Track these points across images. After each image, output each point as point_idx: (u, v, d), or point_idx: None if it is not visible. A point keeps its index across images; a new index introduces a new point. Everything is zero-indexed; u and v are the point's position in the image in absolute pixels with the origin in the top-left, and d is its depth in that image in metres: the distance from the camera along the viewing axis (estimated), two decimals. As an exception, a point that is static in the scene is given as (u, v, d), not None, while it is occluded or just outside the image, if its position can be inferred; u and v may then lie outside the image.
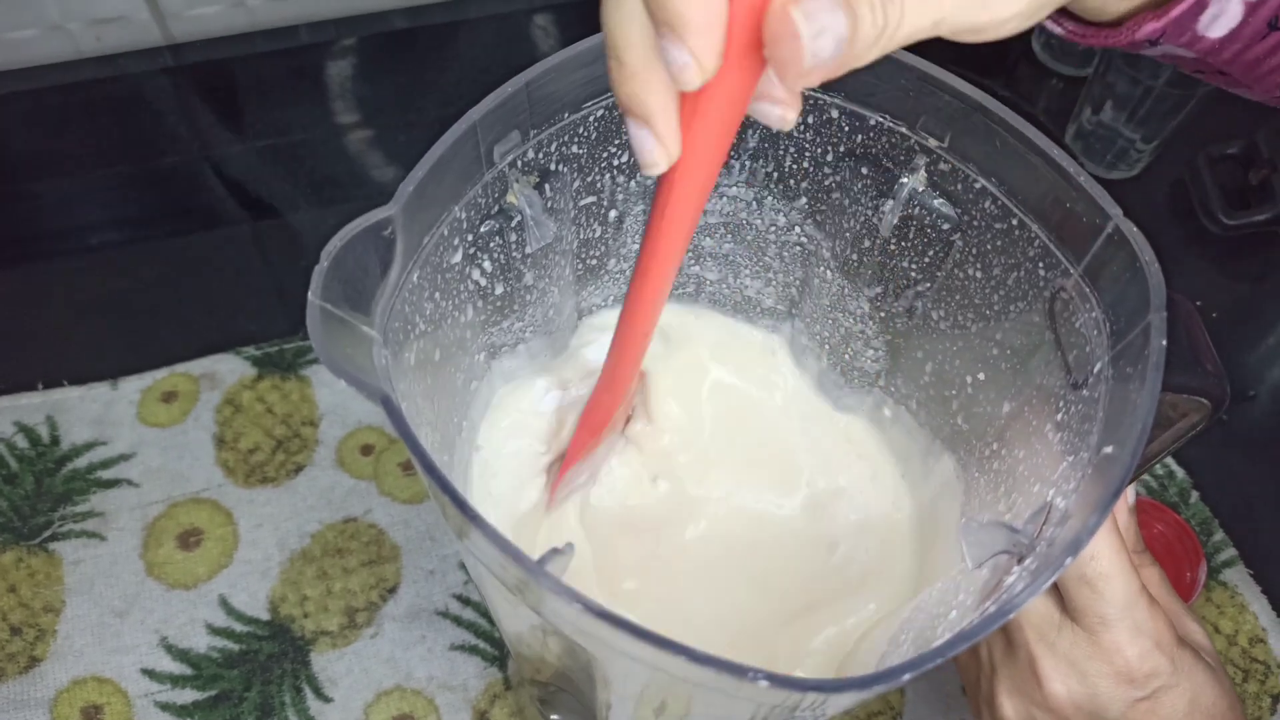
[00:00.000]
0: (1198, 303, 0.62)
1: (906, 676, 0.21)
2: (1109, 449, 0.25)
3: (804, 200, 0.37)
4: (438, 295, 0.31)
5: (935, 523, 0.38)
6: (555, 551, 0.26)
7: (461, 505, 0.22)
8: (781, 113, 0.25)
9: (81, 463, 0.54)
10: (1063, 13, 0.33)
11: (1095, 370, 0.28)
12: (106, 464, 0.54)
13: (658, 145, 0.24)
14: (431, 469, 0.23)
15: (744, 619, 0.40)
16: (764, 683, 0.21)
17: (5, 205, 0.62)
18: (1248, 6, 0.30)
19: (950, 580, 0.31)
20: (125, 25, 0.61)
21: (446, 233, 0.30)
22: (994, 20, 0.24)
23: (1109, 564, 0.31)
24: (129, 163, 0.63)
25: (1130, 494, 0.36)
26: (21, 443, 0.54)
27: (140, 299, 0.60)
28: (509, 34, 0.73)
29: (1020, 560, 0.26)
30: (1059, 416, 0.30)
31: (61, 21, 0.60)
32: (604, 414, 0.36)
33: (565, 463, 0.37)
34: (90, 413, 0.56)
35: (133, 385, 0.57)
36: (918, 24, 0.23)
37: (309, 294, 0.25)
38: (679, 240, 0.28)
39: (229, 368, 0.58)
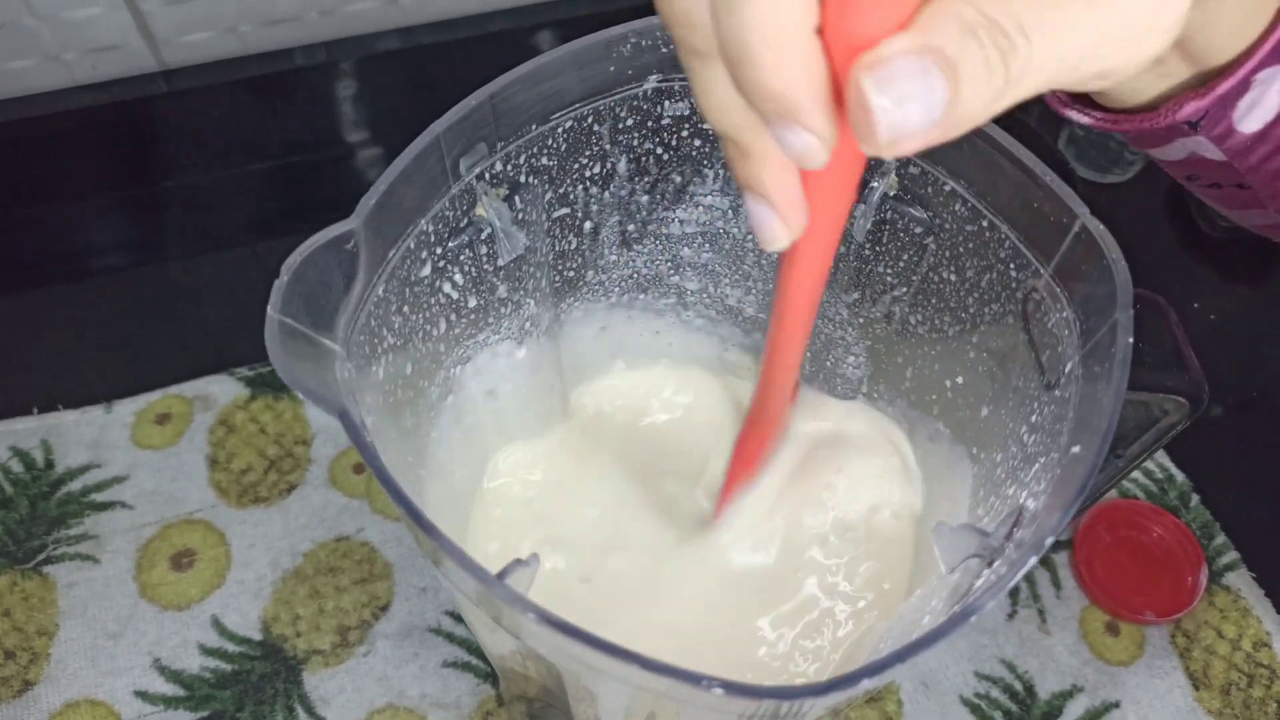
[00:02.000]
0: (1195, 304, 0.61)
1: (865, 683, 0.21)
2: (1076, 449, 0.25)
3: (778, 207, 0.37)
4: (406, 309, 0.31)
5: (930, 526, 0.38)
6: (519, 563, 0.25)
7: (417, 517, 0.22)
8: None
9: (76, 486, 0.54)
10: (1087, 101, 0.32)
11: (1067, 370, 0.28)
12: (101, 487, 0.54)
13: (780, 223, 0.23)
14: (389, 482, 0.23)
15: (743, 627, 0.40)
16: (719, 691, 0.20)
17: (1, 231, 0.62)
18: None
19: (928, 586, 0.31)
20: (120, 53, 0.62)
21: (413, 246, 0.30)
22: (1133, 59, 0.21)
23: None
24: (124, 187, 0.64)
25: None
26: (16, 467, 0.55)
27: (135, 321, 0.60)
28: (507, 52, 0.73)
29: (990, 564, 0.26)
30: (1033, 418, 0.30)
31: (58, 52, 0.61)
32: (757, 445, 0.36)
33: (724, 493, 0.38)
34: (85, 436, 0.56)
35: (127, 408, 0.57)
36: (1050, 69, 0.19)
37: (268, 308, 0.25)
38: (807, 306, 0.28)
39: (222, 388, 0.58)
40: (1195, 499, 0.54)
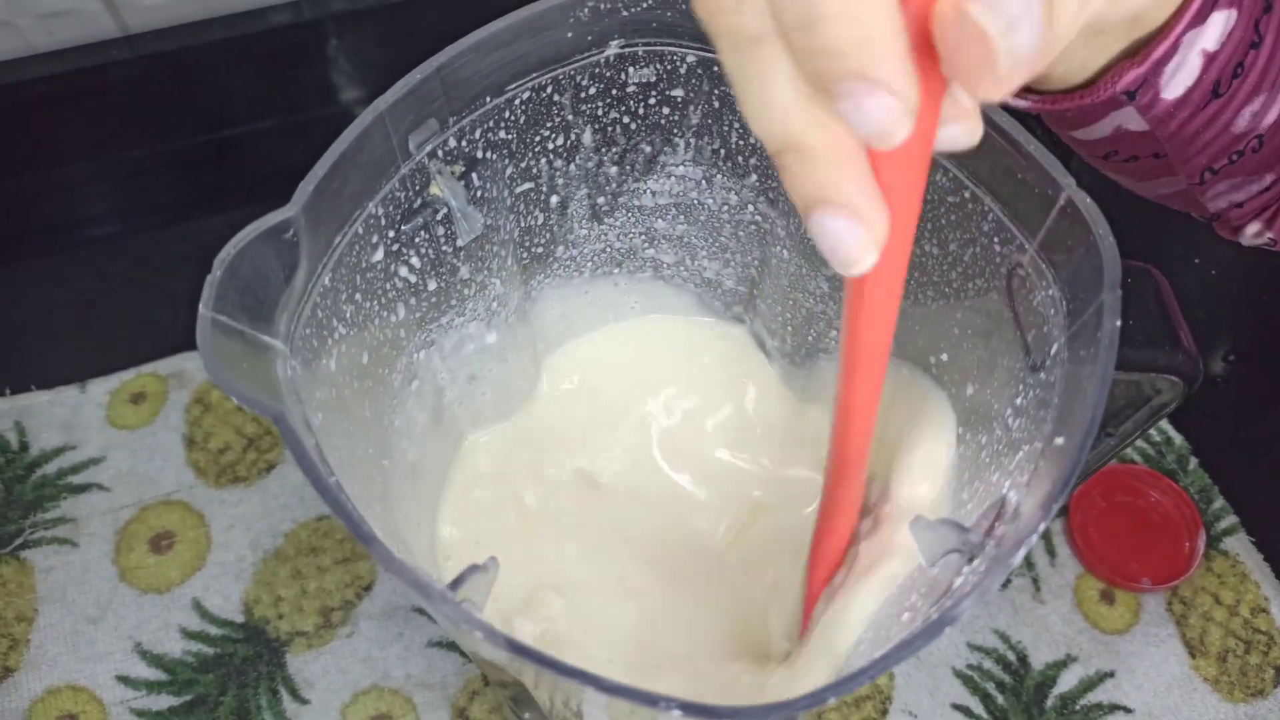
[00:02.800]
0: (1195, 260, 0.59)
1: (831, 700, 0.19)
2: (1060, 440, 0.24)
3: (754, 177, 0.35)
4: (359, 296, 0.29)
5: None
6: (474, 569, 0.24)
7: (357, 528, 0.21)
8: (967, 129, 0.21)
9: (51, 468, 0.53)
10: (1024, 88, 0.32)
11: (1052, 352, 0.27)
12: (76, 469, 0.53)
13: (867, 234, 0.20)
14: (326, 491, 0.21)
15: (731, 611, 0.39)
16: (676, 712, 0.19)
17: (-35, 209, 0.61)
18: (1205, 59, 0.29)
19: (909, 577, 0.29)
20: (77, 18, 0.59)
21: (362, 230, 0.28)
22: None
23: None
24: (88, 159, 0.62)
25: None
26: (-10, 450, 0.54)
27: (106, 299, 0.58)
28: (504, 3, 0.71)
29: (970, 560, 0.25)
30: (1018, 401, 0.28)
31: (10, 18, 0.58)
32: (838, 541, 0.32)
33: (808, 604, 0.33)
34: (59, 417, 0.55)
35: (101, 387, 0.56)
36: None
37: (200, 306, 0.24)
38: (885, 334, 0.24)
39: (197, 365, 0.56)
40: (1194, 462, 0.53)
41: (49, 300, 0.58)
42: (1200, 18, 0.29)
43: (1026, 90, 0.32)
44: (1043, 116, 0.33)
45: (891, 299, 0.23)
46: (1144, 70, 0.29)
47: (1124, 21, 0.29)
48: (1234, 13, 0.29)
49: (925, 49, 0.18)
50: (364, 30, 0.67)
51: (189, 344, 0.57)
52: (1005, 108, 0.32)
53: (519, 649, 0.20)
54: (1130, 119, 0.31)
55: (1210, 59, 0.29)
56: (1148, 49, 0.29)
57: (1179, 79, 0.30)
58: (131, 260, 0.60)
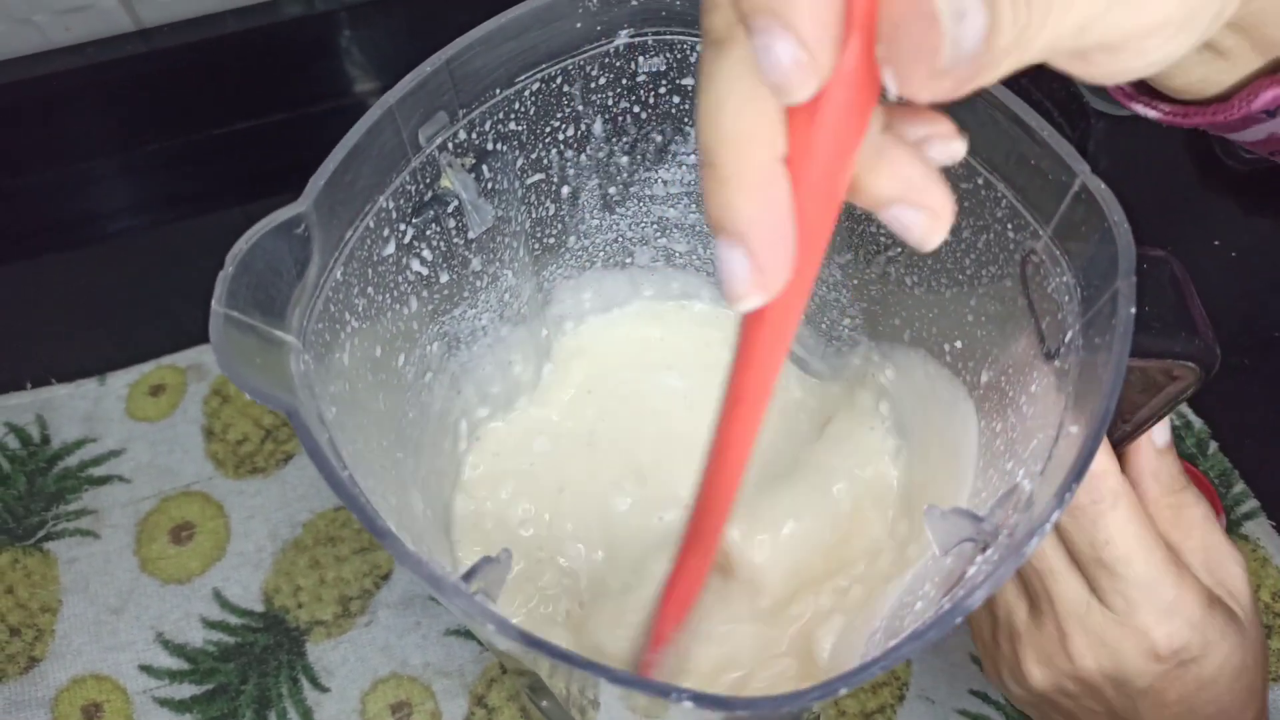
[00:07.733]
0: (1215, 242, 0.59)
1: (842, 690, 0.19)
2: (1073, 428, 0.23)
3: (765, 165, 0.35)
4: (370, 290, 0.29)
5: (924, 498, 0.36)
6: (487, 561, 0.24)
7: (370, 522, 0.21)
8: (926, 222, 0.20)
9: (73, 461, 0.54)
10: (1155, 95, 0.30)
11: (1066, 340, 0.26)
12: (97, 461, 0.54)
13: (754, 273, 0.18)
14: (339, 486, 0.22)
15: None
16: (688, 703, 0.19)
17: (-16, 204, 0.61)
18: None
19: (923, 565, 0.29)
20: (93, 13, 0.60)
21: (373, 224, 0.28)
22: (1139, 27, 0.18)
23: (1125, 546, 0.31)
24: (106, 154, 0.62)
25: (1162, 432, 0.34)
26: (13, 443, 0.54)
27: (126, 292, 0.59)
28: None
29: (984, 549, 0.25)
30: (1033, 388, 0.28)
31: (28, 14, 0.59)
32: (693, 582, 0.29)
33: (654, 644, 0.30)
34: (79, 410, 0.55)
35: (120, 380, 0.56)
36: (1059, 28, 0.17)
37: (213, 303, 0.24)
38: (768, 379, 0.22)
39: (215, 358, 0.57)
40: (1213, 446, 0.53)
41: (69, 294, 0.59)
42: None
43: (1156, 98, 0.30)
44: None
45: (781, 340, 0.21)
46: None
47: (1245, 48, 0.27)
48: None
49: (864, 38, 0.17)
50: (378, 21, 0.67)
51: (207, 337, 0.57)
52: (1136, 116, 0.30)
53: (533, 642, 0.20)
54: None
55: None
56: None
57: None
58: (149, 254, 0.60)
